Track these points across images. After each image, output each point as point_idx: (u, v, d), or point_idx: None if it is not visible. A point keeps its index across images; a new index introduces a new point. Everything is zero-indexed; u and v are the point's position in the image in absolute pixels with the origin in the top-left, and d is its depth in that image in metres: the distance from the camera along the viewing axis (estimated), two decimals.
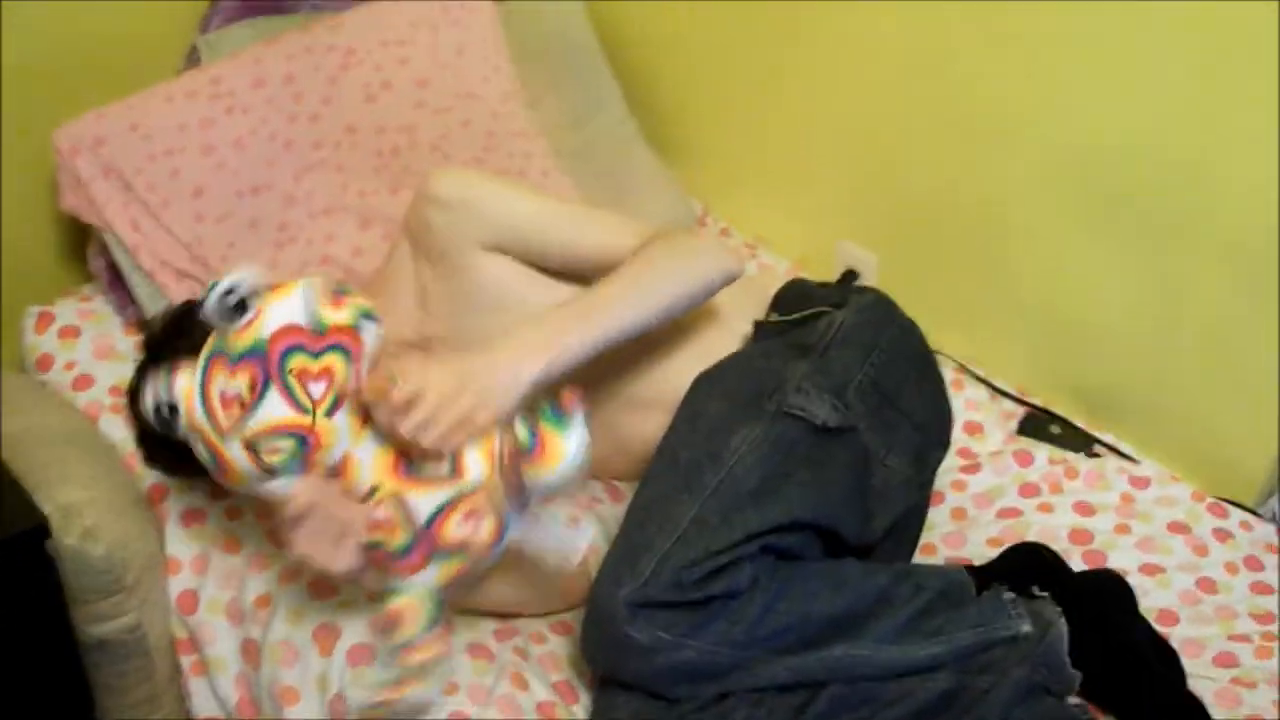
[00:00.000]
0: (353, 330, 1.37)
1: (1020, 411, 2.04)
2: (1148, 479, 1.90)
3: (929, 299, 2.11)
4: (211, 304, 1.31)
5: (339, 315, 1.37)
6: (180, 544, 1.69)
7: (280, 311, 1.33)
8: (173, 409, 1.34)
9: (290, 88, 1.95)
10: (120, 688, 1.65)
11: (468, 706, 1.49)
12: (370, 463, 1.37)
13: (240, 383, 1.30)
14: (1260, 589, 1.75)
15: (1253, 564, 1.79)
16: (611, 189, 2.15)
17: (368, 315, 1.39)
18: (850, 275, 2.22)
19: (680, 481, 1.50)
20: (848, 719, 1.46)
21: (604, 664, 1.48)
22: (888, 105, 2.08)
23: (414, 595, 1.37)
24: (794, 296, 1.76)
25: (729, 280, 1.66)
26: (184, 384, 1.34)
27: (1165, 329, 1.90)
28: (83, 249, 2.01)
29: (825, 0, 2.08)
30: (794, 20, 2.14)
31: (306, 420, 1.32)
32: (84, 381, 1.84)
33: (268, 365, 1.30)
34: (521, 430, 1.37)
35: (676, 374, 1.64)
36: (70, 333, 1.91)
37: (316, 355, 1.33)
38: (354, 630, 1.55)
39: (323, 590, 1.61)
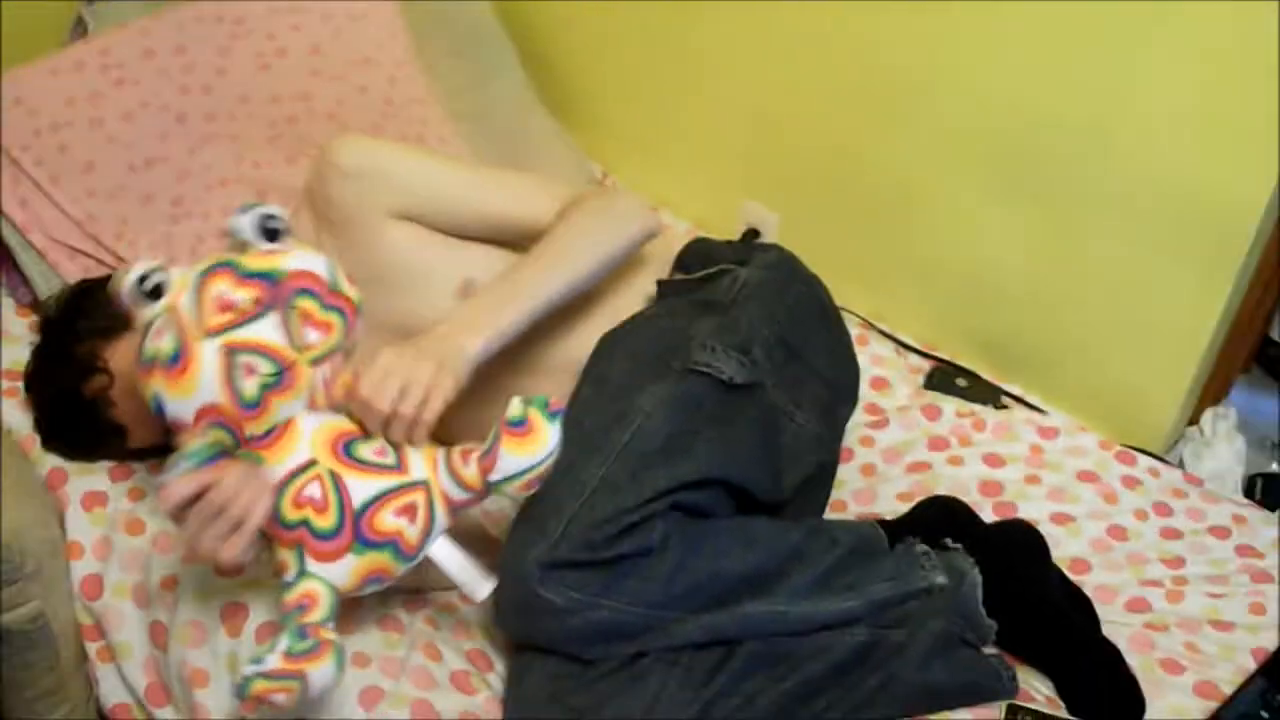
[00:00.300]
0: (356, 306, 1.40)
1: (927, 366, 2.06)
2: (1056, 429, 1.92)
3: (832, 257, 2.11)
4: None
5: (351, 289, 1.41)
6: (82, 528, 1.64)
7: (306, 257, 1.37)
8: (157, 288, 1.34)
9: (181, 58, 1.92)
10: (24, 681, 1.59)
11: (381, 679, 1.47)
12: (311, 435, 1.36)
13: (245, 295, 1.32)
14: (1169, 534, 1.78)
15: (1161, 510, 1.82)
16: (509, 152, 2.14)
17: (360, 306, 1.42)
18: (752, 234, 2.22)
19: (588, 445, 1.48)
20: (764, 676, 1.46)
21: (517, 628, 1.47)
22: (788, 68, 2.08)
23: (323, 582, 1.35)
24: (697, 255, 1.75)
25: (649, 237, 1.70)
26: (179, 274, 1.35)
27: (1067, 282, 1.92)
28: None
29: None
30: None
31: (292, 356, 1.33)
32: None
33: (278, 292, 1.32)
34: (518, 406, 1.36)
35: (580, 337, 1.64)
36: None
37: (324, 307, 1.36)
38: (262, 608, 1.52)
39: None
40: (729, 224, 2.23)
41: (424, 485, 1.37)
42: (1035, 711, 1.49)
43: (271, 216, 1.39)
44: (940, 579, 1.54)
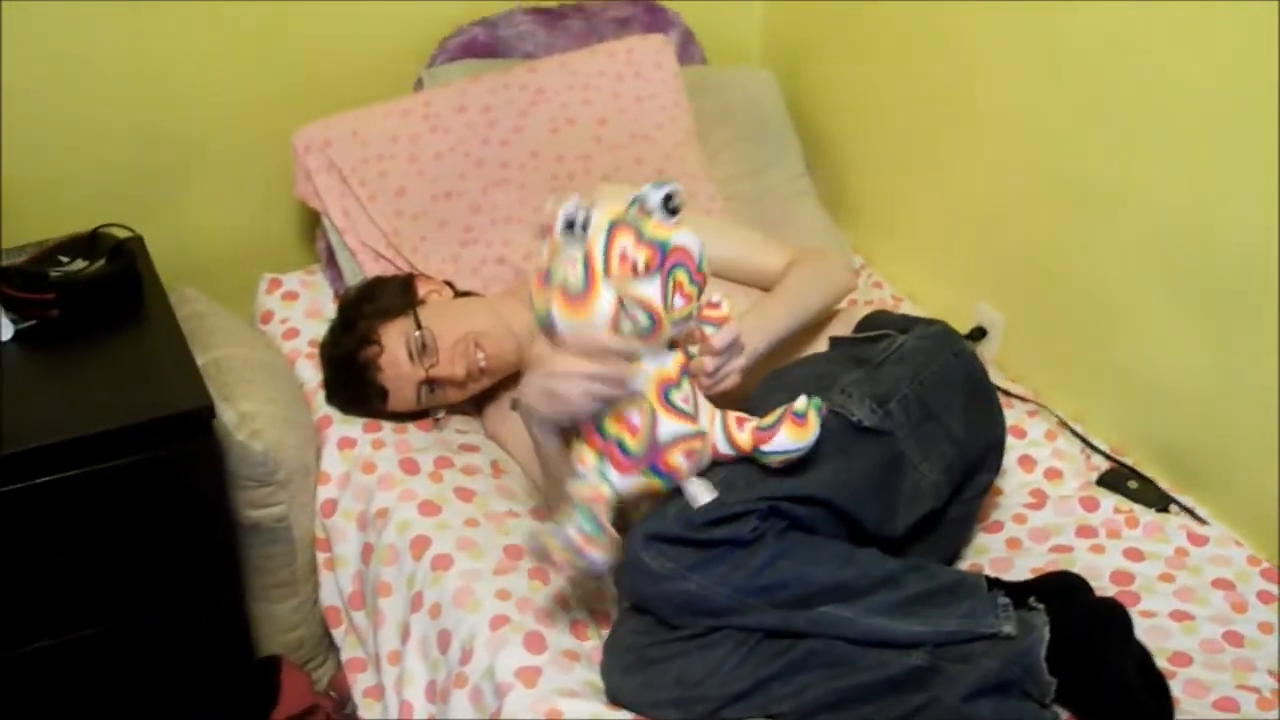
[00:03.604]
0: (707, 284, 1.67)
1: (1107, 467, 2.15)
2: (1206, 538, 1.97)
3: (1045, 358, 2.31)
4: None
5: (708, 269, 1.67)
6: (333, 462, 2.05)
7: (688, 237, 1.62)
8: (585, 225, 1.59)
9: (487, 116, 2.30)
10: (266, 569, 2.02)
11: (512, 612, 1.75)
12: (648, 375, 1.63)
13: (641, 256, 1.58)
14: None
15: None
16: (776, 235, 2.31)
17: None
18: (979, 331, 2.39)
19: None
20: (820, 673, 1.61)
21: (624, 585, 1.67)
22: (1024, 188, 2.28)
23: (611, 487, 1.60)
24: (872, 321, 1.99)
25: (849, 293, 2.02)
26: (600, 221, 1.60)
27: (1246, 402, 1.98)
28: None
29: (978, 100, 2.32)
30: (953, 113, 2.39)
31: (663, 315, 1.59)
32: (291, 333, 2.25)
33: (664, 260, 1.59)
34: (804, 402, 1.63)
35: (759, 373, 1.85)
36: (291, 296, 2.33)
37: (691, 281, 1.62)
38: (442, 542, 1.87)
39: (426, 509, 1.93)
40: (964, 320, 2.40)
41: (705, 435, 1.64)
42: None
43: (673, 195, 1.63)
44: (1009, 629, 1.64)
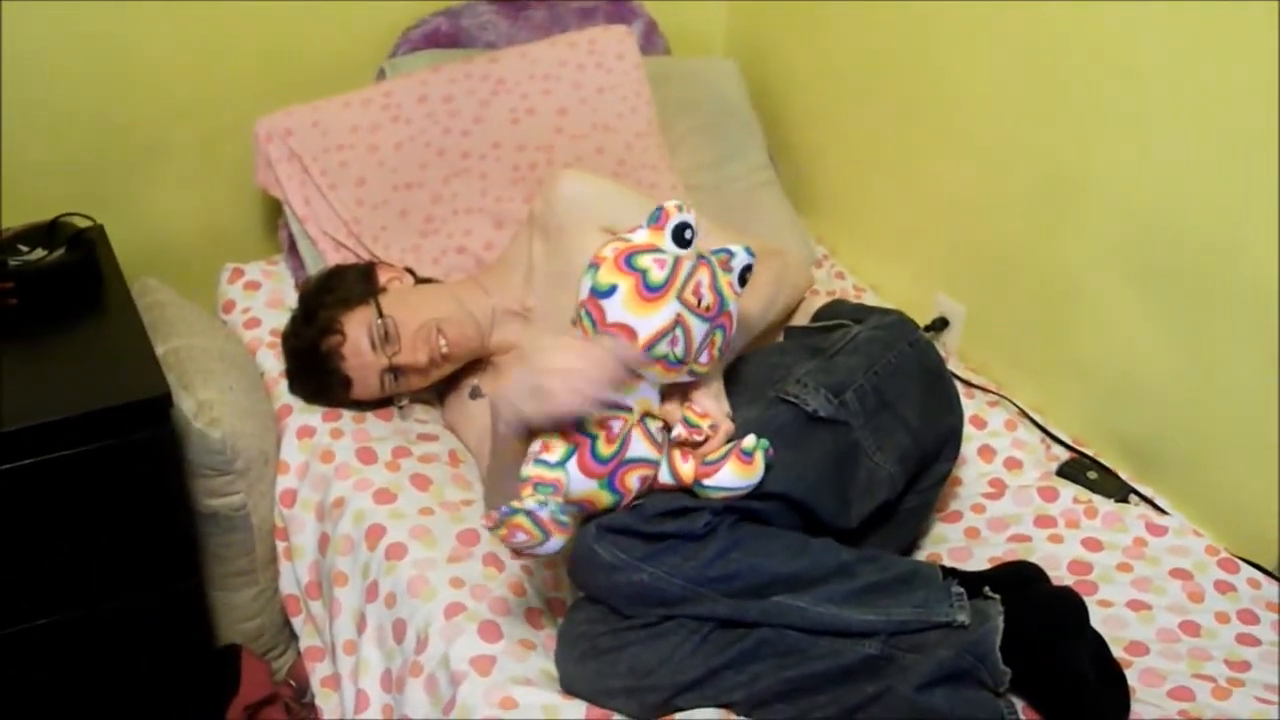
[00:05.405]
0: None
1: (1067, 457, 2.15)
2: (1165, 528, 1.97)
3: (1006, 349, 2.31)
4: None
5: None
6: (291, 452, 2.04)
7: (738, 311, 1.68)
8: (690, 240, 1.63)
9: (448, 106, 2.29)
10: (225, 557, 2.02)
11: (467, 600, 1.75)
12: (643, 394, 1.65)
13: (708, 299, 1.62)
14: (1246, 640, 1.80)
15: (1246, 617, 1.83)
16: (737, 224, 2.37)
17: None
18: (940, 322, 2.40)
19: None
20: (772, 662, 1.61)
21: (576, 576, 1.68)
22: (986, 180, 2.29)
23: (568, 479, 1.60)
24: (828, 311, 1.99)
25: (809, 288, 2.03)
26: (699, 240, 1.65)
27: (1206, 392, 1.99)
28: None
29: (941, 93, 2.33)
30: (916, 105, 2.40)
31: (692, 357, 1.62)
32: (253, 323, 2.25)
33: (718, 318, 1.63)
34: (752, 441, 1.65)
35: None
36: (253, 286, 2.32)
37: (720, 349, 1.66)
38: (396, 531, 1.86)
39: (382, 498, 1.93)
40: (924, 311, 2.42)
41: (657, 468, 1.66)
42: None
43: (752, 268, 1.69)
44: (963, 618, 1.64)
